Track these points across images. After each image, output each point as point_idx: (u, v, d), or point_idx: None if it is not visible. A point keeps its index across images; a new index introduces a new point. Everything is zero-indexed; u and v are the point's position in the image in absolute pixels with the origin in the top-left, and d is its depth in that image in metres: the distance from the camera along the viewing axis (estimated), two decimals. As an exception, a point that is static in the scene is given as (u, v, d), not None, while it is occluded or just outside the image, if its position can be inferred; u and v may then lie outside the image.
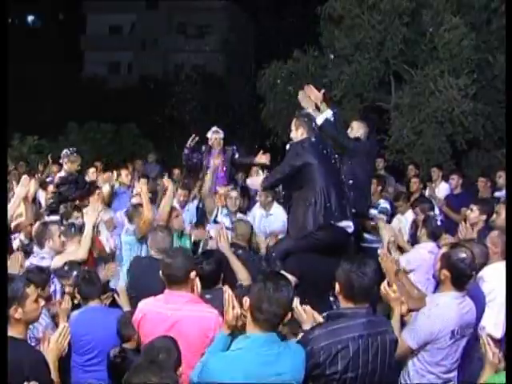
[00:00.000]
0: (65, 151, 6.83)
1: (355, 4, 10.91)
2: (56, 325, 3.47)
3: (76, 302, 3.79)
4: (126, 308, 3.80)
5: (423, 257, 4.41)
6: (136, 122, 17.16)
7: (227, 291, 2.78)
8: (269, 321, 2.34)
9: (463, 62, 10.06)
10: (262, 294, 2.33)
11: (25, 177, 4.86)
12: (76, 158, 6.76)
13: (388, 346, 2.58)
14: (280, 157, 5.18)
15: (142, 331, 3.03)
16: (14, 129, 12.50)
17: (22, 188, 4.68)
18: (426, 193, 7.26)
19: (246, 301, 2.42)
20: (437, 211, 6.34)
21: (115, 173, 7.27)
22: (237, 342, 2.42)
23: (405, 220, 5.97)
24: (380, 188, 6.58)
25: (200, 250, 5.10)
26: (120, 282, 4.49)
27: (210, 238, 5.23)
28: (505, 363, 2.63)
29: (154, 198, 6.48)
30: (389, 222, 5.90)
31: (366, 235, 5.18)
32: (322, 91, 4.85)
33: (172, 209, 5.32)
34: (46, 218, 5.46)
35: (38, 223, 4.76)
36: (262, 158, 6.58)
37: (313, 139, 4.21)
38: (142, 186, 5.41)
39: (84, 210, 5.18)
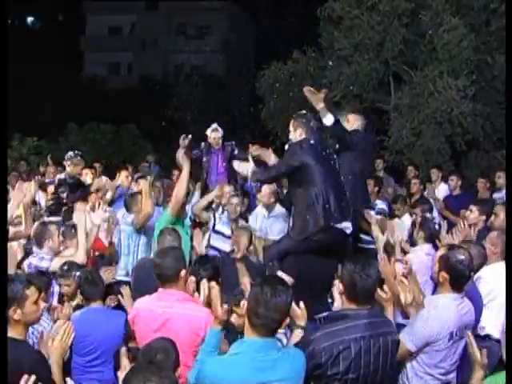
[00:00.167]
0: (69, 153, 6.83)
1: (354, 5, 10.91)
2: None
3: (74, 303, 3.80)
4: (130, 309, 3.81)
5: (421, 259, 4.40)
6: (136, 123, 17.17)
7: (215, 287, 2.82)
8: (265, 326, 2.31)
9: (462, 62, 10.06)
10: (258, 299, 2.30)
11: (20, 182, 4.87)
12: (79, 162, 6.78)
13: (390, 347, 2.58)
14: (279, 157, 5.17)
15: (136, 329, 3.13)
16: (14, 129, 12.51)
17: (19, 192, 4.70)
18: (426, 194, 7.27)
19: (244, 304, 2.41)
20: (435, 213, 6.34)
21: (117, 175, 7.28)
22: (234, 347, 2.40)
23: (401, 223, 5.96)
24: (377, 189, 6.59)
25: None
26: (119, 271, 4.70)
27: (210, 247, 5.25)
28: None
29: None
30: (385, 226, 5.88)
31: (363, 236, 5.17)
32: (324, 91, 4.80)
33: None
34: (46, 219, 5.47)
35: (37, 223, 4.77)
36: (255, 150, 6.56)
37: (312, 140, 4.20)
38: (143, 183, 5.36)
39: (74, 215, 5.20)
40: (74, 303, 3.84)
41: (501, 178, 7.01)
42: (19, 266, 4.50)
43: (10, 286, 2.60)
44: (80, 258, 4.34)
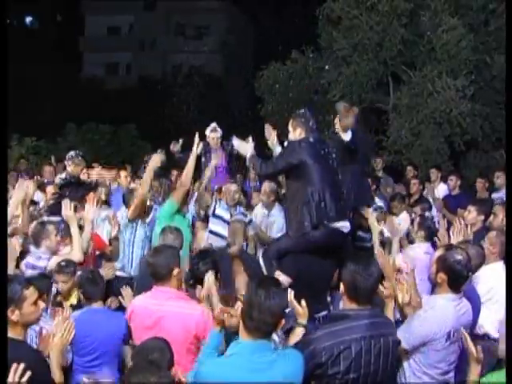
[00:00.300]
0: (71, 153, 6.82)
1: (353, 5, 10.93)
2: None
3: (69, 303, 3.79)
4: None
5: (419, 257, 4.40)
6: (135, 123, 17.16)
7: (211, 276, 2.84)
8: (259, 329, 2.29)
9: (461, 62, 10.08)
10: (252, 301, 2.29)
11: (22, 180, 4.86)
12: (80, 162, 6.76)
13: (390, 347, 2.59)
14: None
15: (132, 325, 3.21)
16: (13, 130, 12.48)
17: (20, 190, 4.67)
18: (425, 194, 7.27)
19: (238, 305, 2.41)
20: (434, 212, 6.34)
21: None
22: (230, 348, 2.40)
23: (398, 221, 5.95)
24: (374, 187, 6.60)
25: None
26: (118, 265, 4.80)
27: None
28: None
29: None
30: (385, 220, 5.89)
31: (361, 233, 5.17)
32: (343, 105, 4.80)
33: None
34: (45, 219, 5.45)
35: (35, 222, 4.75)
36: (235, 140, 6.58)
37: (311, 139, 4.20)
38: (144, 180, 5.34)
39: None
40: (69, 303, 3.84)
41: (499, 178, 7.02)
42: (17, 265, 4.49)
43: (9, 287, 2.60)
44: (76, 255, 4.33)
